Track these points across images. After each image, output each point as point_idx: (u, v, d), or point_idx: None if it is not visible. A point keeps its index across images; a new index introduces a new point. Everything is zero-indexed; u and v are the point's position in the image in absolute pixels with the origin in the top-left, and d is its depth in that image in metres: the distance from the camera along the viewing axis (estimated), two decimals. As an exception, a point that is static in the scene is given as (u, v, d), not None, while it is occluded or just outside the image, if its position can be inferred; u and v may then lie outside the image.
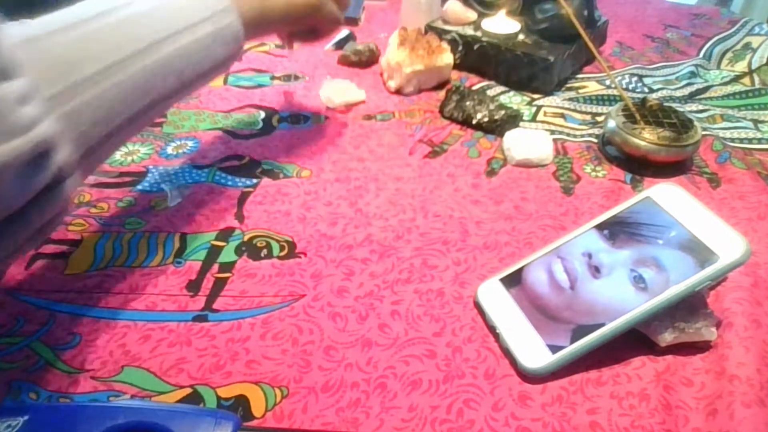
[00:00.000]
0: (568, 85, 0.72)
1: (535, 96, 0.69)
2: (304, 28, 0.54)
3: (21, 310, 0.40)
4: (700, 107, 0.67)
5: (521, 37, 0.71)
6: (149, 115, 0.37)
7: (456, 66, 0.73)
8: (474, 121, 0.62)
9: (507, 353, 0.38)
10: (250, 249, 0.46)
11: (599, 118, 0.65)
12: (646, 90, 0.71)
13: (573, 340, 0.37)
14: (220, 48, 0.41)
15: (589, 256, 0.41)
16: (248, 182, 0.54)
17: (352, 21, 0.79)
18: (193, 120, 0.63)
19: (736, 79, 0.73)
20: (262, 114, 0.64)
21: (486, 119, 0.62)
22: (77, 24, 0.32)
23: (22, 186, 0.27)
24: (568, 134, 0.62)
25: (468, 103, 0.63)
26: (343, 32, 0.81)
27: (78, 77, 0.31)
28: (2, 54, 0.27)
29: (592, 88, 0.71)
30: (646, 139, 0.54)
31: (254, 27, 0.44)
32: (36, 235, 0.31)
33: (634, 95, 0.69)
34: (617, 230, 0.42)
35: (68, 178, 0.30)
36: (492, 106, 0.62)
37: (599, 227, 0.42)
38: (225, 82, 0.70)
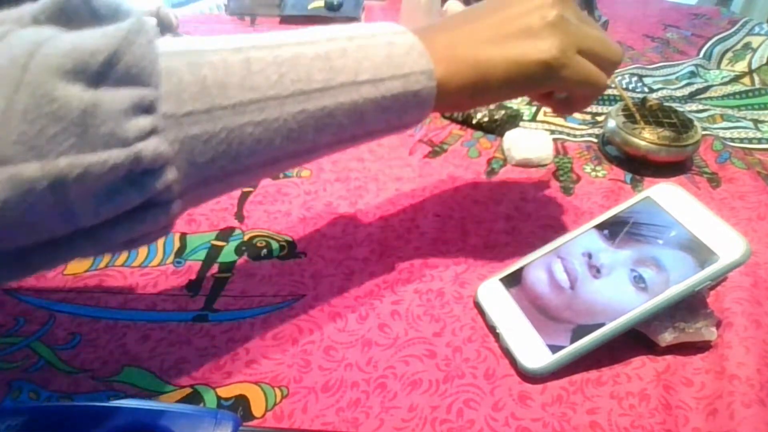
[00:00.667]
0: (568, 85, 0.71)
1: (535, 96, 0.69)
2: (546, 94, 0.42)
3: (21, 310, 0.40)
4: (700, 107, 0.67)
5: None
6: (283, 165, 0.32)
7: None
8: (474, 121, 0.62)
9: (507, 353, 0.38)
10: (250, 249, 0.46)
11: (599, 118, 0.65)
12: (646, 90, 0.71)
13: (573, 340, 0.37)
14: (399, 113, 0.34)
15: (589, 256, 0.41)
16: (248, 182, 0.54)
17: (352, 21, 0.79)
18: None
19: (736, 79, 0.73)
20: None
21: (486, 119, 0.62)
22: (245, 48, 0.29)
23: (108, 202, 0.25)
24: (568, 134, 0.62)
25: (468, 103, 0.63)
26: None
27: (219, 102, 0.27)
28: (141, 56, 0.25)
29: (592, 88, 0.71)
30: (646, 139, 0.54)
31: (461, 95, 0.36)
32: (118, 248, 0.29)
33: (634, 95, 0.69)
34: (617, 230, 0.42)
35: (166, 203, 0.27)
36: (492, 106, 0.62)
37: (599, 227, 0.42)
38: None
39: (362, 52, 0.32)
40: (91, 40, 0.24)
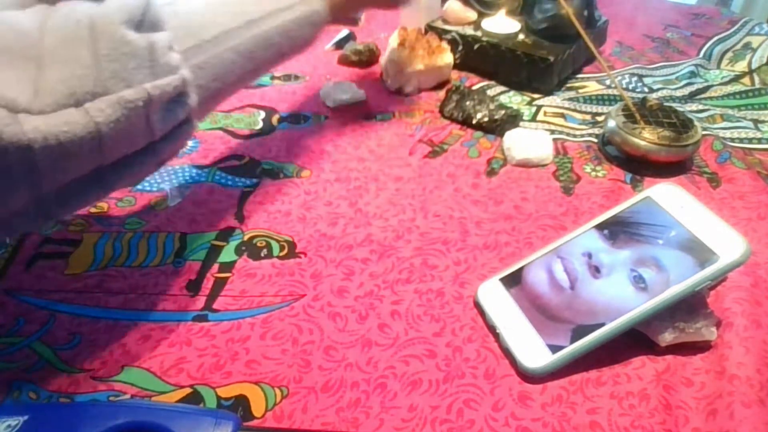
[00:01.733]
0: (568, 85, 0.72)
1: (535, 96, 0.69)
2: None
3: (21, 310, 0.40)
4: (700, 107, 0.67)
5: (521, 37, 0.71)
6: (250, 79, 0.44)
7: (456, 66, 0.73)
8: (474, 121, 0.62)
9: (507, 353, 0.38)
10: (250, 249, 0.46)
11: (599, 118, 0.65)
12: (646, 90, 0.71)
13: (573, 340, 0.37)
14: (309, 28, 0.47)
15: (589, 256, 0.41)
16: (248, 182, 0.54)
17: (352, 21, 0.79)
18: (193, 120, 0.63)
19: (736, 79, 0.73)
20: (262, 114, 0.64)
21: (486, 119, 0.62)
22: None
23: (164, 119, 0.33)
24: (568, 134, 0.62)
25: (468, 103, 0.63)
26: (343, 32, 0.81)
27: (204, 37, 0.37)
28: (154, 10, 0.32)
29: (592, 88, 0.71)
30: (646, 139, 0.54)
31: (344, 7, 0.51)
32: (157, 167, 0.37)
33: (634, 95, 0.69)
34: (617, 230, 0.42)
35: (192, 120, 0.36)
36: (492, 106, 0.62)
37: (599, 227, 0.42)
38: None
39: None
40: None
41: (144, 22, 0.32)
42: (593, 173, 0.56)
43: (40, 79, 0.28)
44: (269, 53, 0.44)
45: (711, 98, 0.69)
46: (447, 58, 0.69)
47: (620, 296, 0.38)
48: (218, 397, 0.35)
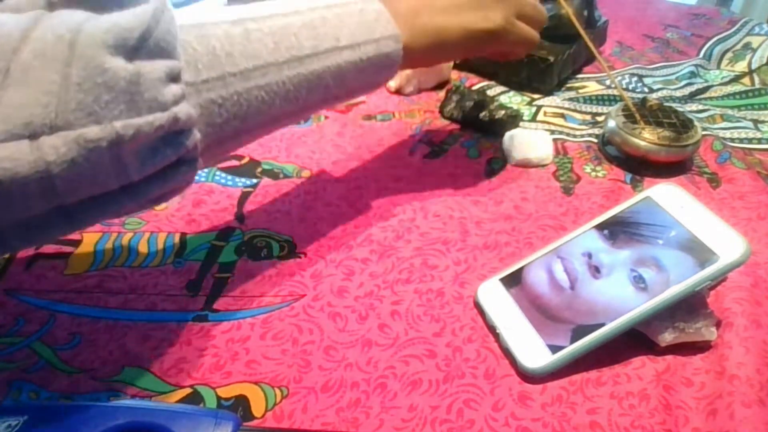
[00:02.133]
0: (568, 85, 0.72)
1: (535, 96, 0.69)
2: (488, 54, 0.50)
3: (21, 310, 0.40)
4: (700, 107, 0.67)
5: None
6: (288, 121, 0.38)
7: (456, 66, 0.73)
8: (474, 121, 0.62)
9: (507, 353, 0.38)
10: (250, 249, 0.46)
11: (599, 118, 0.65)
12: (646, 90, 0.71)
13: (573, 340, 0.37)
14: (373, 73, 0.39)
15: (589, 256, 0.41)
16: (248, 182, 0.54)
17: None
18: (193, 120, 0.63)
19: (736, 79, 0.73)
20: (262, 114, 0.64)
21: (486, 119, 0.62)
22: (243, 20, 0.33)
23: (146, 159, 0.29)
24: (568, 134, 0.62)
25: (468, 103, 0.63)
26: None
27: (228, 69, 0.32)
28: (163, 34, 0.28)
29: (592, 88, 0.71)
30: (646, 139, 0.54)
31: (421, 56, 0.43)
32: (146, 206, 0.32)
33: (634, 95, 0.69)
34: (617, 230, 0.42)
35: (192, 161, 0.31)
36: (492, 106, 0.62)
37: (599, 227, 0.42)
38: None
39: (339, 19, 0.37)
40: (126, 18, 0.27)
41: (142, 48, 0.27)
42: (593, 173, 0.56)
43: (0, 99, 0.24)
44: (317, 96, 0.37)
45: (711, 98, 0.69)
46: (447, 58, 0.69)
47: (620, 296, 0.38)
48: (218, 397, 0.35)
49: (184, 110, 0.29)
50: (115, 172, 0.27)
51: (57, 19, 0.26)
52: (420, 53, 0.42)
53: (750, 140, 0.61)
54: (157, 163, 0.29)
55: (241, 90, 0.32)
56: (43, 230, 0.29)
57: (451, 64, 0.70)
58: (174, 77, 0.29)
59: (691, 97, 0.69)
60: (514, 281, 0.42)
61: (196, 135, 0.30)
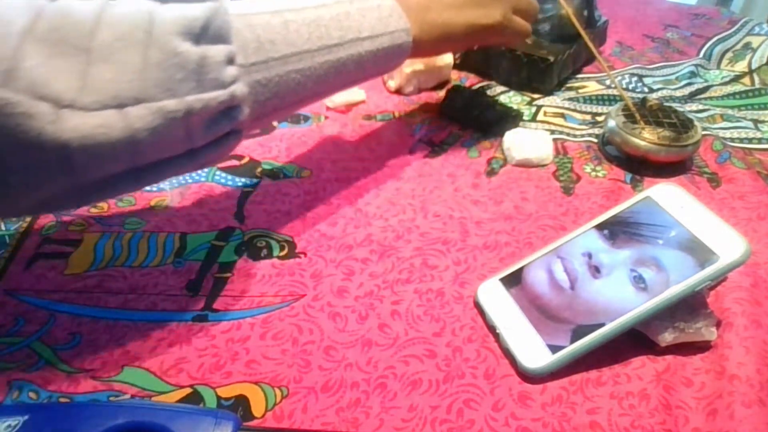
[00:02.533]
0: (568, 85, 0.72)
1: (535, 96, 0.69)
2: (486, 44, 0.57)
3: (21, 310, 0.40)
4: (700, 107, 0.67)
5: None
6: (314, 100, 0.43)
7: (456, 66, 0.73)
8: (474, 121, 0.62)
9: (507, 353, 0.38)
10: (250, 249, 0.46)
11: (599, 118, 0.65)
12: (646, 90, 0.71)
13: (573, 340, 0.37)
14: (387, 61, 0.45)
15: (589, 256, 0.41)
16: (248, 182, 0.54)
17: None
18: (193, 120, 0.63)
19: (736, 79, 0.73)
20: (262, 114, 0.64)
21: (486, 119, 0.62)
22: (281, 12, 0.38)
23: (207, 129, 0.34)
24: (568, 134, 0.62)
25: (468, 103, 0.63)
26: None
27: (272, 55, 0.37)
28: (220, 23, 0.33)
29: (592, 88, 0.71)
30: (646, 139, 0.54)
31: (430, 47, 0.49)
32: (192, 170, 0.38)
33: (634, 95, 0.69)
34: (617, 230, 0.42)
35: (239, 132, 0.37)
36: (492, 106, 0.62)
37: (599, 227, 0.42)
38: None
39: (360, 14, 0.42)
40: (190, 9, 0.32)
41: (205, 34, 0.32)
42: (593, 173, 0.56)
43: (88, 74, 0.29)
44: (340, 80, 0.43)
45: (711, 98, 0.69)
46: (447, 58, 0.69)
47: (620, 296, 0.38)
48: (218, 397, 0.35)
49: (239, 89, 0.34)
50: (183, 139, 0.33)
51: (124, 8, 0.31)
52: (428, 44, 0.48)
53: (750, 140, 0.61)
54: (215, 132, 0.35)
55: (282, 73, 0.37)
56: (115, 188, 0.34)
57: (451, 64, 0.70)
58: (231, 60, 0.34)
59: (691, 97, 0.69)
60: (514, 281, 0.42)
61: (245, 110, 0.36)
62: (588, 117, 0.66)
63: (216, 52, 0.32)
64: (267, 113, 0.39)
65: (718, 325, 0.39)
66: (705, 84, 0.72)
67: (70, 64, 0.29)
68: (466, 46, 0.58)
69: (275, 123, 0.61)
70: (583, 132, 0.63)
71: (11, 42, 0.27)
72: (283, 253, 0.46)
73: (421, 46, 0.47)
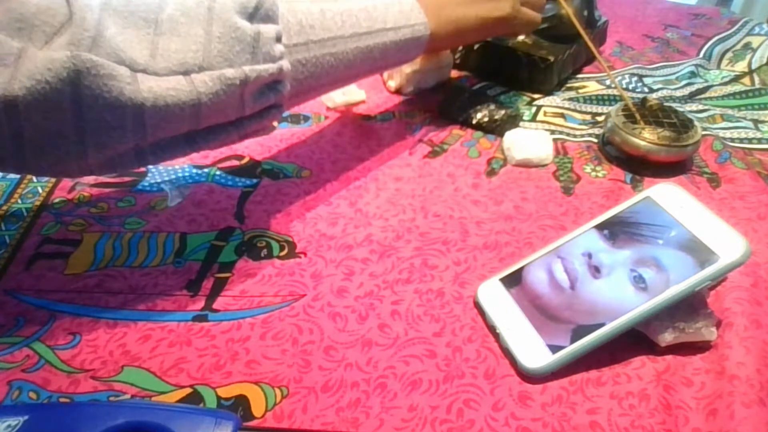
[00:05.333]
0: (568, 85, 0.72)
1: (535, 96, 0.69)
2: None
3: (21, 310, 0.40)
4: (700, 107, 0.67)
5: (521, 37, 0.71)
6: (343, 84, 0.48)
7: (456, 66, 0.73)
8: (474, 121, 0.62)
9: (507, 353, 0.38)
10: (250, 249, 0.46)
11: (599, 118, 0.65)
12: (646, 90, 0.71)
13: (573, 340, 0.37)
14: (407, 51, 0.50)
15: (589, 256, 0.41)
16: (248, 182, 0.54)
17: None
18: (193, 120, 0.63)
19: (736, 79, 0.73)
20: (262, 114, 0.64)
21: (486, 119, 0.62)
22: (318, 1, 0.43)
23: (256, 99, 0.38)
24: (568, 134, 0.62)
25: (468, 103, 0.63)
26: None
27: (311, 38, 0.41)
28: (269, 5, 0.37)
29: (592, 88, 0.71)
30: (646, 139, 0.54)
31: (442, 40, 0.52)
32: (237, 140, 0.40)
33: (634, 95, 0.69)
34: (617, 230, 0.42)
35: (280, 106, 0.41)
36: (492, 106, 0.62)
37: (599, 227, 0.42)
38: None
39: (385, 7, 0.47)
40: None
41: (257, 14, 0.36)
42: (593, 173, 0.56)
43: (158, 44, 0.33)
44: (366, 66, 0.47)
45: (711, 98, 0.69)
46: (447, 58, 0.69)
47: (620, 296, 0.38)
48: (218, 397, 0.35)
49: (286, 65, 0.38)
50: (237, 106, 0.37)
51: None
52: (443, 38, 0.52)
53: (750, 140, 0.61)
54: (262, 102, 0.38)
55: (319, 55, 0.42)
56: (172, 150, 0.37)
57: (451, 64, 0.70)
58: (279, 38, 0.38)
59: (691, 97, 0.69)
60: (514, 281, 0.42)
61: (287, 86, 0.39)
62: (588, 117, 0.66)
63: (267, 29, 0.36)
64: (303, 91, 0.43)
65: (718, 325, 0.39)
66: (705, 84, 0.72)
67: (141, 34, 0.33)
68: (479, 38, 0.62)
69: (275, 123, 0.61)
70: (583, 132, 0.63)
71: (94, 14, 0.31)
72: (283, 253, 0.46)
73: (437, 40, 0.51)
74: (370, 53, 0.46)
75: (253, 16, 0.36)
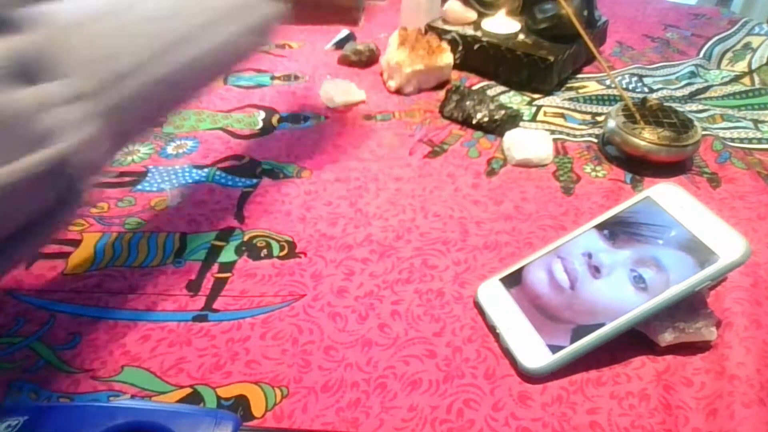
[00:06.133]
0: (568, 85, 0.72)
1: (535, 96, 0.69)
2: None
3: (21, 310, 0.40)
4: (700, 107, 0.67)
5: (521, 37, 0.71)
6: (187, 101, 0.39)
7: (456, 66, 0.73)
8: (474, 121, 0.62)
9: (507, 353, 0.38)
10: (250, 249, 0.46)
11: (599, 118, 0.65)
12: (646, 90, 0.71)
13: (573, 340, 0.37)
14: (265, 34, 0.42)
15: (589, 256, 0.41)
16: (248, 182, 0.54)
17: (352, 21, 0.80)
18: (193, 120, 0.63)
19: (736, 79, 0.73)
20: (262, 114, 0.64)
21: (486, 119, 0.62)
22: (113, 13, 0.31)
23: (40, 197, 0.26)
24: (568, 134, 0.62)
25: (468, 103, 0.63)
26: (343, 32, 0.81)
27: (119, 70, 0.29)
28: (52, 44, 0.25)
29: (592, 88, 0.71)
30: (646, 139, 0.54)
31: None
32: (49, 239, 0.30)
33: (634, 95, 0.69)
34: (617, 230, 0.42)
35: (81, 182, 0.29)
36: (492, 106, 0.62)
37: (599, 227, 0.42)
38: (225, 81, 0.70)
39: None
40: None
41: (38, 68, 0.24)
42: (593, 173, 0.56)
43: None
44: (212, 72, 0.37)
45: (711, 98, 0.69)
46: (447, 58, 0.69)
47: (620, 296, 0.38)
48: (218, 397, 0.35)
49: (68, 138, 0.27)
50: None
51: None
52: None
53: (750, 140, 0.61)
54: (44, 201, 0.28)
55: (136, 86, 0.31)
56: None
57: (451, 64, 0.70)
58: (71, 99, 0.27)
59: (691, 97, 0.69)
60: (514, 281, 0.42)
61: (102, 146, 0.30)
62: (588, 117, 0.66)
63: (51, 90, 0.25)
64: (128, 132, 0.33)
65: (718, 325, 0.39)
66: (705, 84, 0.72)
67: None
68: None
69: (275, 123, 0.61)
70: (583, 132, 0.63)
71: None
72: (283, 253, 0.46)
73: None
74: (215, 55, 0.37)
75: (35, 73, 0.25)
